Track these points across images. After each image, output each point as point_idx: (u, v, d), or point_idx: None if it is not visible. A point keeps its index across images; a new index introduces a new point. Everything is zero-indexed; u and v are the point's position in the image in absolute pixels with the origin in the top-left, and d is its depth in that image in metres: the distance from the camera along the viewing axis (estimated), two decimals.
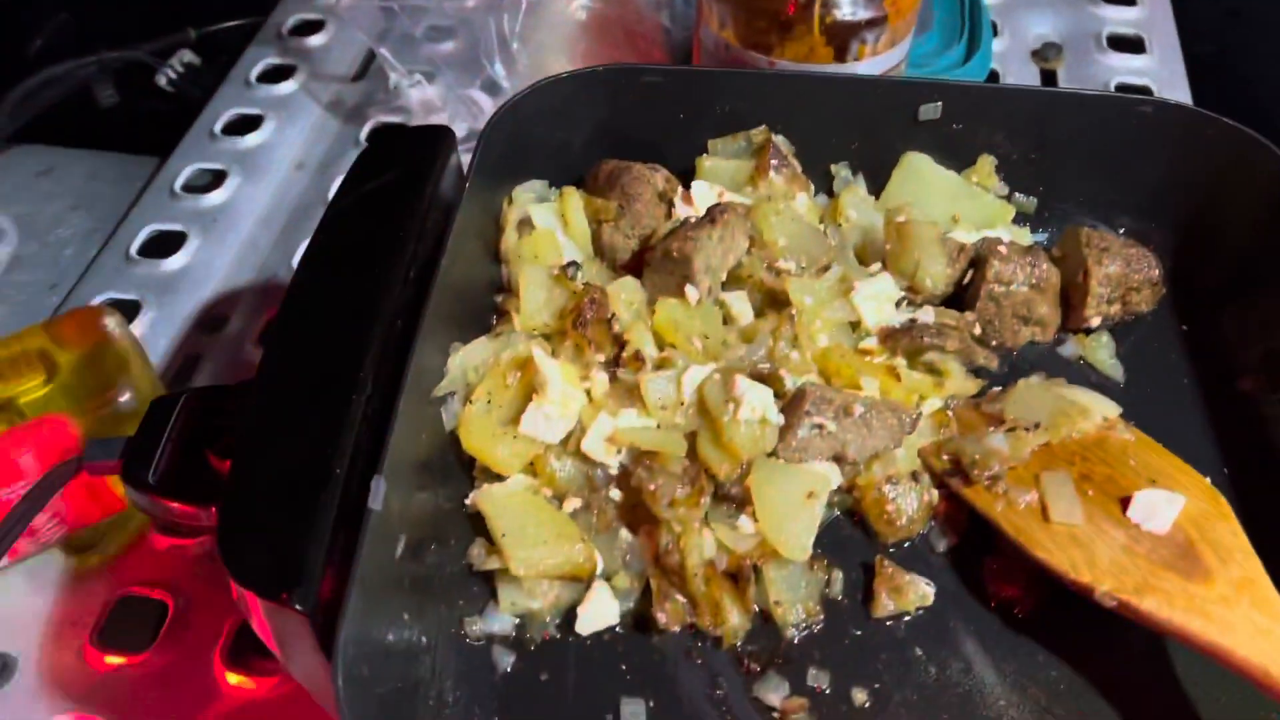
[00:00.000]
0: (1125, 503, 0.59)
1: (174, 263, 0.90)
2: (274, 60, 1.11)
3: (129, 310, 0.86)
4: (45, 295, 0.94)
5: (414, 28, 1.02)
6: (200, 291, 0.88)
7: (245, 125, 1.04)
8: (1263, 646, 0.50)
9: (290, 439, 0.53)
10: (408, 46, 1.04)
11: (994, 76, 1.07)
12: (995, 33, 1.13)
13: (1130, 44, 1.12)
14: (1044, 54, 1.11)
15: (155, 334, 0.85)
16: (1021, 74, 1.09)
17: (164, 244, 0.92)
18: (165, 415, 0.67)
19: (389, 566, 0.54)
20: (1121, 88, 1.06)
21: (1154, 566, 0.55)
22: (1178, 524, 0.57)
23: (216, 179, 0.98)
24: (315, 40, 1.14)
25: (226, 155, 1.00)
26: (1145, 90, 1.06)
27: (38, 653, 0.67)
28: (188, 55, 1.19)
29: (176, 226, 0.94)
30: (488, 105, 1.00)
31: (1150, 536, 0.57)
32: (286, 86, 1.08)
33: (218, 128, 1.03)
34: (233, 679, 0.65)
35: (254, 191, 0.97)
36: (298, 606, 0.47)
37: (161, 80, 1.18)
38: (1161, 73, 1.09)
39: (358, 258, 0.62)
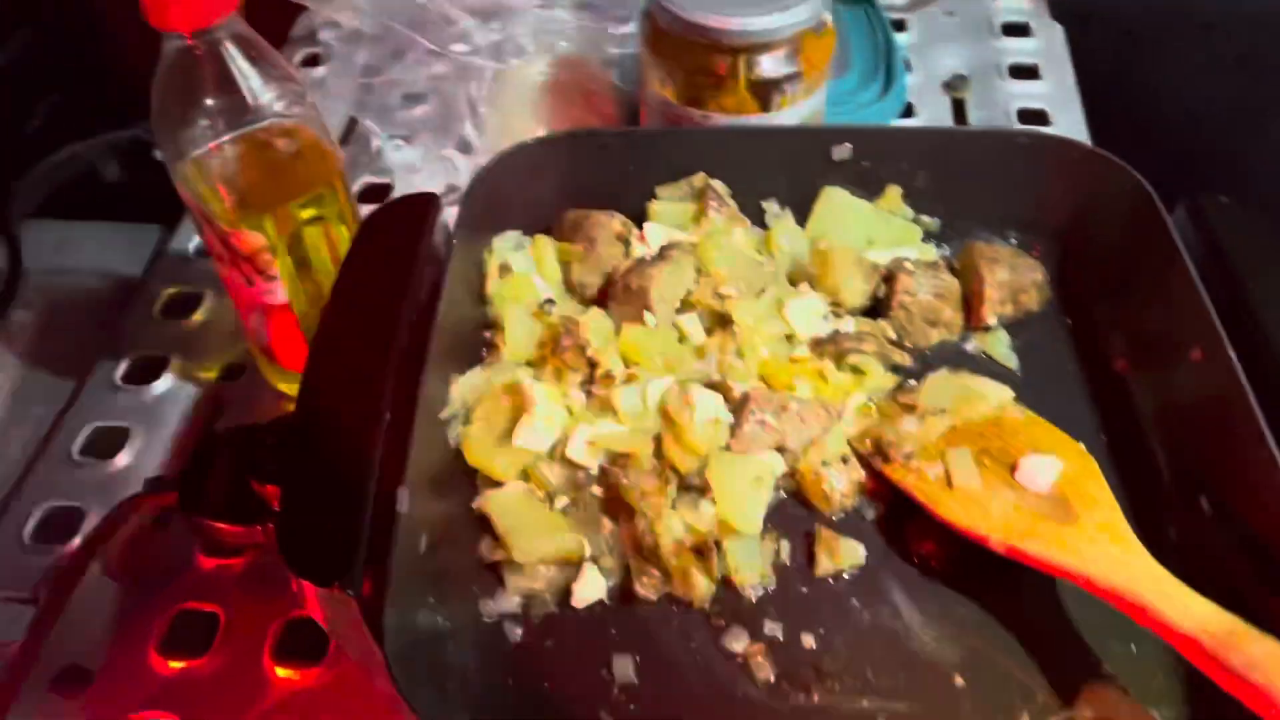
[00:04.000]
0: (1015, 469, 0.72)
1: (197, 318, 1.02)
2: None
3: (150, 378, 0.97)
4: None
5: (390, 98, 1.15)
6: (221, 346, 0.99)
7: None
8: (1117, 573, 0.63)
9: (328, 463, 0.65)
10: (386, 113, 1.16)
11: (909, 109, 1.21)
12: (909, 69, 1.26)
13: (1029, 71, 1.27)
14: (954, 85, 1.25)
15: (177, 392, 0.96)
16: (934, 104, 1.23)
17: (185, 304, 1.04)
18: (211, 450, 0.79)
19: (416, 560, 0.66)
20: (1023, 112, 1.20)
21: (1036, 517, 0.68)
22: (1055, 483, 0.70)
23: None
24: None
25: None
26: (1042, 114, 1.20)
27: (110, 664, 0.78)
28: None
29: (191, 289, 1.05)
30: (462, 163, 1.13)
31: (1034, 494, 0.70)
32: None
33: None
34: (281, 673, 0.76)
35: None
36: (349, 592, 0.58)
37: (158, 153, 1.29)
38: (1057, 95, 1.23)
39: (368, 313, 0.74)
